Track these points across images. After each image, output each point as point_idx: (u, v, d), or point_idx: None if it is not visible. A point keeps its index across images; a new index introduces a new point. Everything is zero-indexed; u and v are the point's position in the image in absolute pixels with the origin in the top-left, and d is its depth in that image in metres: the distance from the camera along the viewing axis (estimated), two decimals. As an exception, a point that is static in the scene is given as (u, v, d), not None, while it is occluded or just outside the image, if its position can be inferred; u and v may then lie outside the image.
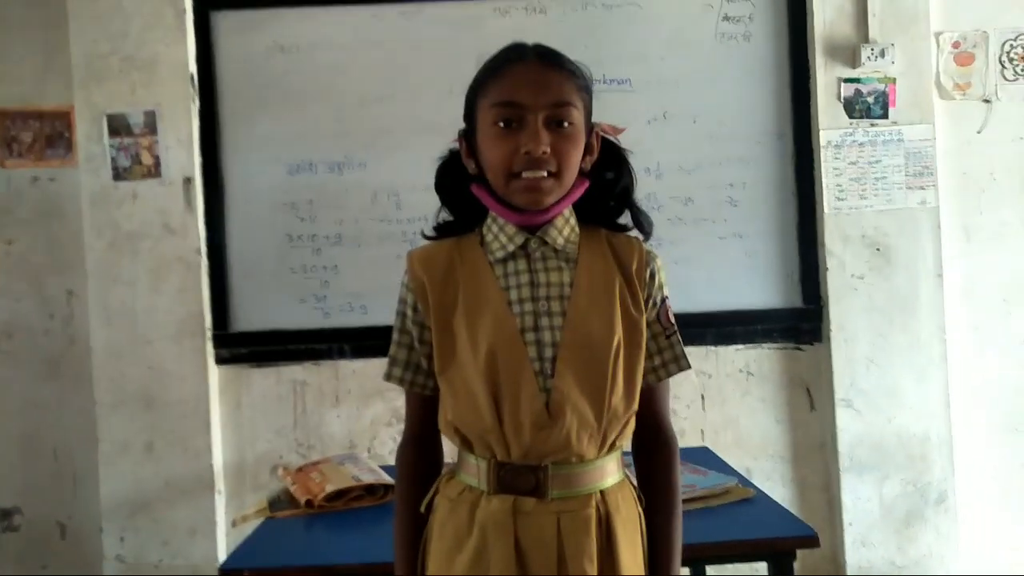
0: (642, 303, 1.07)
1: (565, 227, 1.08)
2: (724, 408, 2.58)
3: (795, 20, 2.55)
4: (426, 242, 1.13)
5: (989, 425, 2.58)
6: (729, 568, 2.52)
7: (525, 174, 1.01)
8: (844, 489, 2.50)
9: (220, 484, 2.54)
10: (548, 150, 1.01)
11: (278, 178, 2.58)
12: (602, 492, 1.04)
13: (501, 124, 1.02)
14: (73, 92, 2.51)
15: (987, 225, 2.58)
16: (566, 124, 1.03)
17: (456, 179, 1.11)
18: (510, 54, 1.06)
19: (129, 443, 2.50)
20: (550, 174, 1.02)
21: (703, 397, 2.59)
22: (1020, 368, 2.58)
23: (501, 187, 1.04)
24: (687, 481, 1.62)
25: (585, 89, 1.06)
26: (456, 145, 1.12)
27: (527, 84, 1.02)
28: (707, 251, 2.56)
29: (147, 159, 2.52)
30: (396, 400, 2.55)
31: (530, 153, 1.00)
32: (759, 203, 2.58)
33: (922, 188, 2.53)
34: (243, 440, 2.58)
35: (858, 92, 2.53)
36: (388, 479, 1.79)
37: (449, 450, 1.14)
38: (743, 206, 2.58)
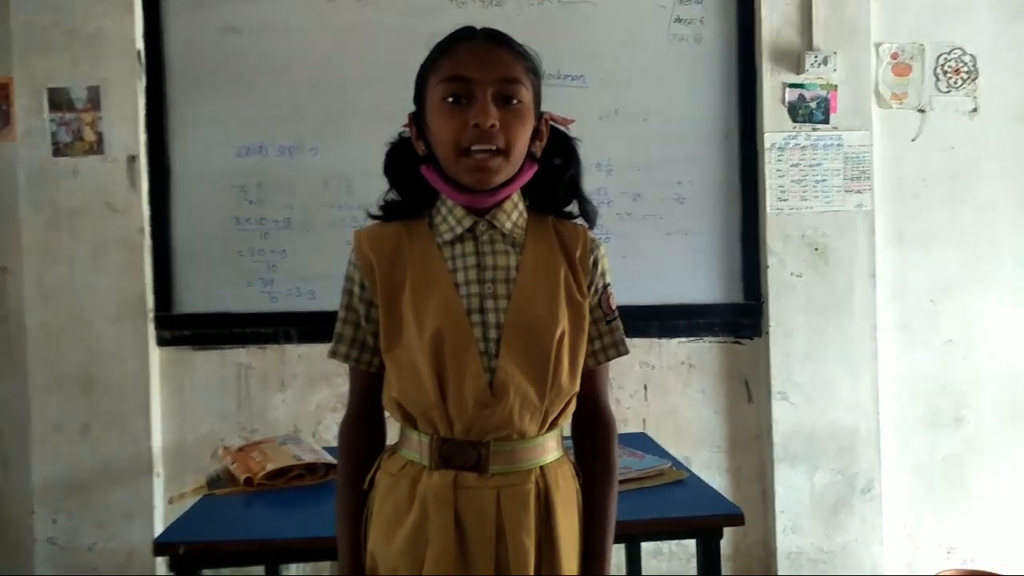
0: (585, 288, 1.10)
1: (514, 212, 1.10)
2: (666, 398, 2.65)
3: (744, 25, 2.62)
4: (373, 222, 1.14)
5: (914, 420, 2.70)
6: (663, 546, 2.62)
7: (474, 148, 1.03)
8: (777, 478, 2.59)
9: (159, 467, 2.50)
10: (497, 124, 1.02)
11: (227, 160, 2.54)
12: (542, 468, 1.07)
13: (450, 99, 1.04)
14: (12, 64, 2.43)
15: (918, 229, 2.69)
16: (515, 101, 1.05)
17: (405, 162, 1.12)
18: (460, 34, 1.08)
19: (64, 424, 2.43)
20: (499, 150, 1.03)
21: (646, 387, 2.65)
22: (945, 366, 2.70)
23: (451, 163, 1.05)
24: (624, 464, 1.67)
25: (533, 72, 1.09)
26: (406, 131, 1.13)
27: (476, 60, 1.04)
28: (654, 246, 2.62)
29: (89, 135, 2.46)
30: (342, 386, 2.52)
31: (479, 126, 1.02)
32: (705, 201, 2.65)
33: (859, 192, 2.63)
34: (184, 423, 2.54)
35: (801, 97, 2.61)
36: (330, 459, 1.80)
37: (391, 432, 1.16)
38: (689, 203, 2.64)
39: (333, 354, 1.13)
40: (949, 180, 2.69)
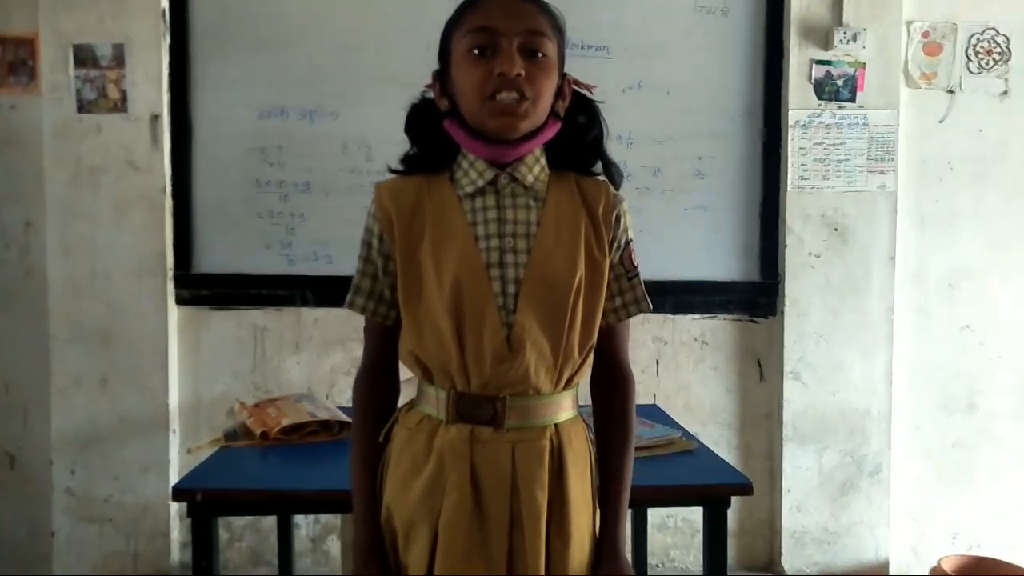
0: (606, 245, 1.10)
1: (535, 165, 1.10)
2: (677, 374, 2.65)
3: (772, -1, 2.59)
4: (394, 175, 1.15)
5: (926, 404, 2.69)
6: (670, 514, 2.63)
7: (499, 96, 1.02)
8: (785, 457, 2.60)
9: (175, 423, 2.54)
10: (522, 73, 1.02)
11: (248, 121, 2.55)
12: (556, 426, 1.08)
13: (475, 51, 1.03)
14: (39, 18, 2.44)
15: (941, 213, 2.66)
16: (540, 54, 1.04)
17: (428, 121, 1.12)
18: None
19: (83, 378, 2.48)
20: (524, 97, 1.03)
21: (658, 363, 2.65)
22: (960, 352, 2.68)
23: (475, 112, 1.05)
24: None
25: (558, 29, 1.08)
26: (428, 92, 1.13)
27: (501, 11, 1.04)
28: (672, 222, 2.61)
29: (114, 93, 2.47)
30: (356, 350, 2.54)
31: (504, 74, 1.02)
32: (725, 177, 2.63)
33: (882, 172, 2.60)
34: (200, 381, 2.57)
35: (828, 74, 2.58)
36: (344, 417, 1.82)
37: (405, 395, 1.16)
38: (710, 179, 2.62)
39: (350, 305, 1.13)
40: (975, 163, 2.66)
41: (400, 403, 1.17)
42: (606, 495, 1.12)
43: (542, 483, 1.04)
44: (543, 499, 1.04)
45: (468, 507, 1.03)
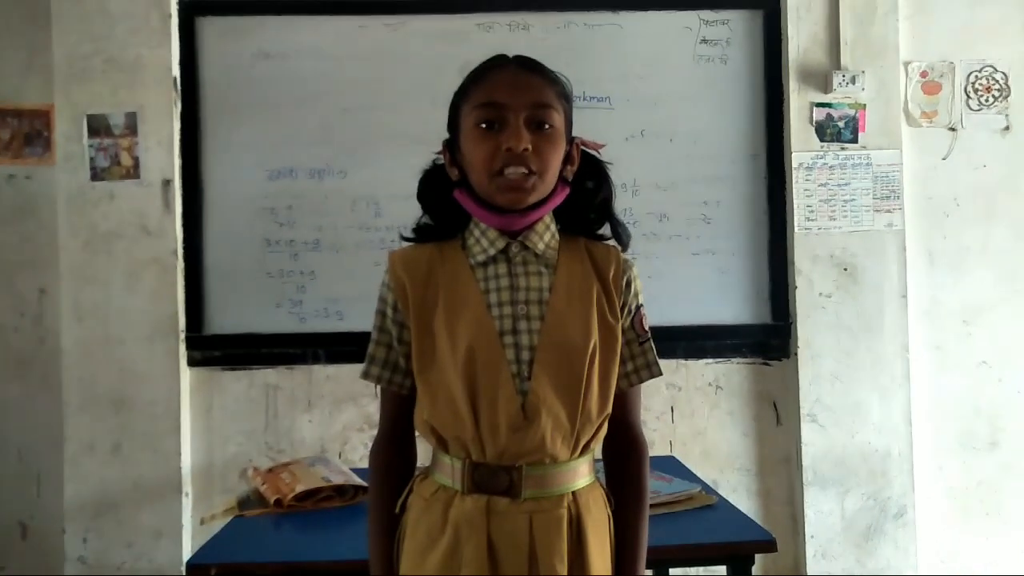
0: (618, 310, 1.11)
1: (546, 233, 1.11)
2: (693, 420, 2.63)
3: (770, 45, 2.62)
4: (407, 244, 1.16)
5: (948, 443, 2.65)
6: (691, 572, 2.58)
7: (507, 171, 1.04)
8: (807, 502, 2.55)
9: (188, 487, 2.52)
10: (529, 147, 1.04)
11: (258, 183, 2.58)
12: (574, 493, 1.06)
13: (483, 125, 1.05)
14: (54, 91, 2.50)
15: (950, 249, 2.66)
16: (547, 126, 1.06)
17: (439, 188, 1.14)
18: (493, 62, 1.10)
19: (96, 444, 2.47)
20: (531, 172, 1.05)
21: (673, 409, 2.63)
22: (978, 388, 2.65)
23: (484, 186, 1.07)
24: (653, 487, 1.64)
25: (565, 97, 1.10)
26: (439, 157, 1.15)
27: (508, 86, 1.05)
28: (680, 267, 2.61)
29: (126, 160, 2.51)
30: (369, 406, 2.56)
31: (511, 149, 1.03)
32: (732, 221, 2.64)
33: (889, 211, 2.61)
34: (213, 443, 2.56)
35: (829, 116, 2.60)
36: (359, 480, 1.80)
37: (422, 453, 1.16)
38: (716, 224, 2.63)
39: (366, 375, 1.14)
40: (981, 198, 2.66)
41: (418, 462, 1.16)
42: (622, 562, 1.10)
43: (561, 553, 1.03)
44: (563, 569, 1.02)
45: (486, 581, 1.01)
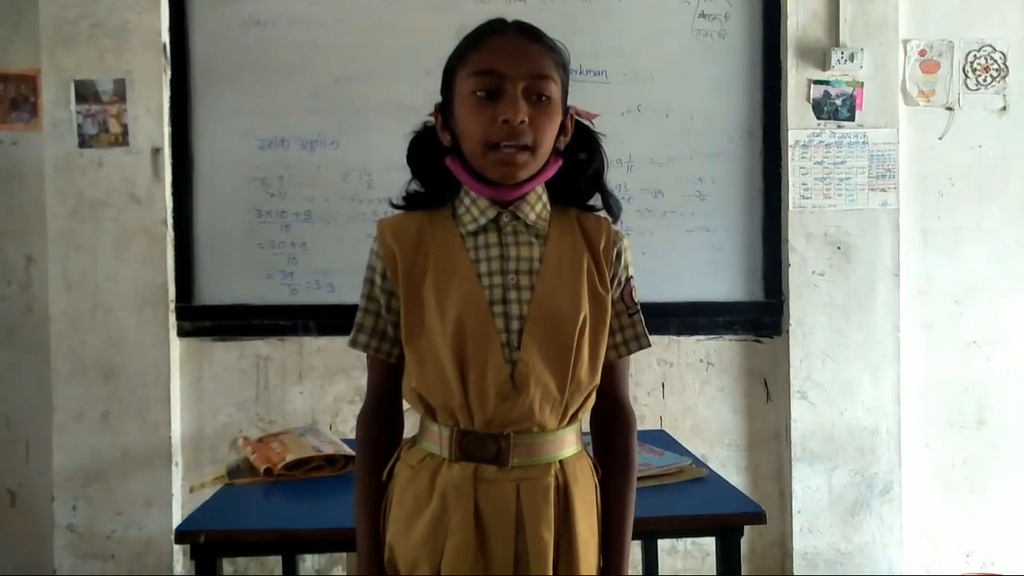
0: (608, 281, 1.10)
1: (537, 203, 1.10)
2: (683, 396, 2.64)
3: (769, 21, 2.59)
4: (397, 212, 1.14)
5: (936, 421, 2.66)
6: (679, 543, 2.60)
7: (503, 145, 1.02)
8: (795, 478, 2.57)
9: (178, 456, 2.52)
10: (526, 120, 1.02)
11: (249, 152, 2.55)
12: (561, 462, 1.06)
13: (480, 93, 1.03)
14: (40, 56, 2.46)
15: (943, 229, 2.66)
16: (544, 97, 1.04)
17: (429, 152, 1.12)
18: (491, 26, 1.07)
19: (85, 412, 2.46)
20: (526, 147, 1.03)
21: (663, 385, 2.63)
22: (967, 367, 2.66)
23: (477, 158, 1.05)
24: (643, 460, 1.66)
25: (563, 66, 1.08)
26: (430, 119, 1.13)
27: (507, 54, 1.03)
28: (674, 243, 2.60)
29: (115, 127, 2.48)
30: (360, 379, 2.54)
31: (508, 122, 1.01)
32: (727, 198, 2.62)
33: (884, 190, 2.60)
34: (203, 413, 2.56)
35: (827, 94, 2.58)
36: (348, 450, 1.80)
37: (410, 426, 1.16)
38: (711, 200, 2.62)
39: (353, 343, 1.13)
40: (976, 179, 2.66)
41: (405, 434, 1.16)
42: (609, 534, 1.10)
43: (548, 522, 1.03)
44: (550, 538, 1.03)
45: (472, 548, 1.01)
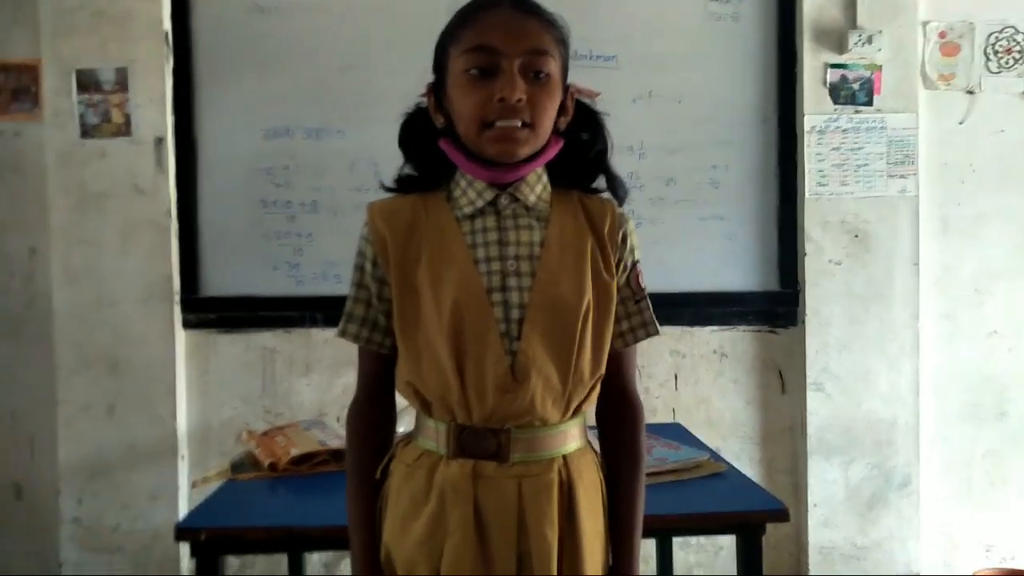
0: (613, 266, 1.04)
1: (537, 184, 1.04)
2: (697, 388, 2.58)
3: (784, 3, 2.52)
4: (388, 195, 1.09)
5: (955, 413, 2.60)
6: (693, 540, 2.56)
7: (499, 123, 0.97)
8: (811, 471, 2.51)
9: (183, 449, 2.50)
10: (524, 98, 0.96)
11: (254, 142, 2.51)
12: (564, 457, 1.02)
13: (474, 71, 0.98)
14: (41, 45, 2.43)
15: (964, 216, 2.59)
16: (542, 74, 0.98)
17: (422, 135, 1.07)
18: (484, 2, 1.01)
19: (90, 406, 2.44)
20: (524, 124, 0.98)
21: (676, 376, 2.58)
22: (988, 358, 2.60)
23: (472, 138, 0.99)
24: (660, 455, 1.61)
25: (562, 42, 1.03)
26: (423, 100, 1.08)
27: (502, 30, 0.97)
28: (687, 232, 2.55)
29: (117, 117, 2.45)
30: (367, 371, 2.52)
31: (505, 100, 0.96)
32: (741, 186, 2.56)
33: (903, 177, 2.53)
34: (209, 406, 2.53)
35: (844, 78, 2.51)
36: (354, 446, 1.76)
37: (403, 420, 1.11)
38: (725, 188, 2.56)
39: (343, 333, 1.08)
40: (998, 165, 2.59)
41: (398, 431, 1.11)
42: (617, 531, 1.05)
43: (551, 520, 0.98)
44: (553, 537, 0.98)
45: (472, 549, 0.97)
